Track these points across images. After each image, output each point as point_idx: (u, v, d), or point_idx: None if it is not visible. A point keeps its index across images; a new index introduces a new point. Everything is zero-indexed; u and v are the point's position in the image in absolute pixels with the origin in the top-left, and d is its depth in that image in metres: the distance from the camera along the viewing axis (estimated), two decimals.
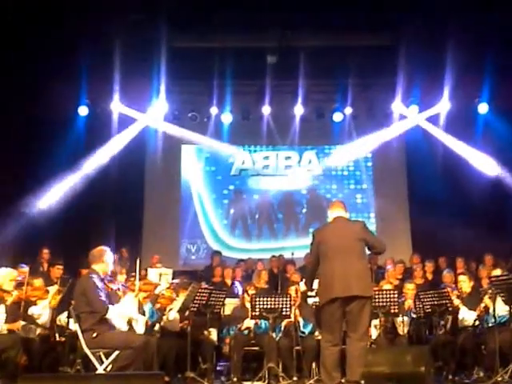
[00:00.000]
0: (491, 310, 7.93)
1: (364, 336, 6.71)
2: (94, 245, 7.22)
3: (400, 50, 12.05)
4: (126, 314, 7.25)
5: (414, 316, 8.80)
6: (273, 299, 8.19)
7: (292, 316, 8.44)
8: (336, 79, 13.19)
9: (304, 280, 7.45)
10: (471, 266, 11.38)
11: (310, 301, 8.84)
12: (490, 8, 10.69)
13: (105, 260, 6.92)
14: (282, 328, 8.69)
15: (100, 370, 6.44)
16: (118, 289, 7.62)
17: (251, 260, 12.39)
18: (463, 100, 13.37)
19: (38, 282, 8.43)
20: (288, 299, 8.23)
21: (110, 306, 6.72)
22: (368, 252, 7.02)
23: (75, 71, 11.74)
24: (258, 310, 8.18)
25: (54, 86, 11.46)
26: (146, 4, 11.12)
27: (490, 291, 8.04)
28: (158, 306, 8.42)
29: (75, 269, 9.69)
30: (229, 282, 10.96)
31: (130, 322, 7.53)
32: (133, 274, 8.20)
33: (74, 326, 6.90)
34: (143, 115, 13.84)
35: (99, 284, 6.77)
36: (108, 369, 6.49)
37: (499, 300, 7.84)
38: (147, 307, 8.07)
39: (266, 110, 13.64)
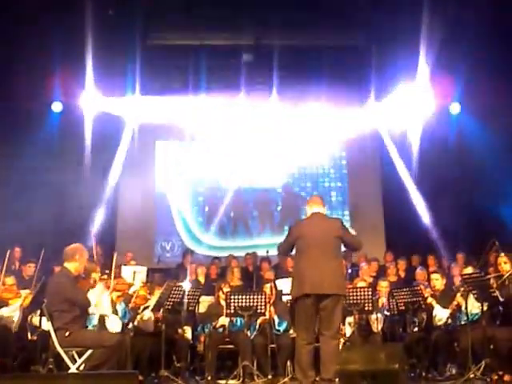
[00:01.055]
0: (463, 308, 8.00)
1: (337, 334, 6.74)
2: (68, 242, 7.14)
3: (372, 49, 12.14)
4: (100, 310, 7.23)
5: (388, 313, 8.85)
6: (248, 297, 8.19)
7: (267, 314, 8.46)
8: (310, 78, 13.21)
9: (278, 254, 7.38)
10: (443, 263, 11.48)
11: (285, 298, 8.86)
12: (462, 6, 10.80)
13: (78, 258, 6.80)
14: (257, 326, 8.70)
15: (73, 369, 6.39)
16: (92, 286, 7.58)
17: (231, 257, 12.34)
18: (435, 100, 13.48)
19: (10, 280, 8.35)
20: (263, 297, 8.24)
21: (90, 296, 6.73)
22: (343, 249, 7.06)
23: (49, 67, 11.65)
24: (232, 307, 8.18)
25: (27, 82, 11.37)
26: (121, 0, 11.07)
27: (462, 289, 8.11)
28: (131, 305, 8.36)
29: (49, 266, 9.59)
30: (202, 279, 10.91)
31: (103, 321, 7.51)
32: (106, 271, 8.14)
33: (46, 324, 6.82)
34: (117, 111, 13.75)
35: (73, 281, 6.74)
36: (81, 368, 6.44)
37: (471, 297, 7.91)
38: (120, 307, 8.03)
39: (241, 107, 13.63)
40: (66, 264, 6.82)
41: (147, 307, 8.37)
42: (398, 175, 13.51)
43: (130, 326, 8.28)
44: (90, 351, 6.46)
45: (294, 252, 6.92)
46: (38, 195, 11.97)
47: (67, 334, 6.45)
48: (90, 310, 6.94)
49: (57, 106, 13.16)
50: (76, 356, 6.54)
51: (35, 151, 12.12)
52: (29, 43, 11.06)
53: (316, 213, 6.99)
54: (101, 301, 7.43)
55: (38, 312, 7.90)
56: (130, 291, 8.25)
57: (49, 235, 11.67)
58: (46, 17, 10.65)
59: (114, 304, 7.84)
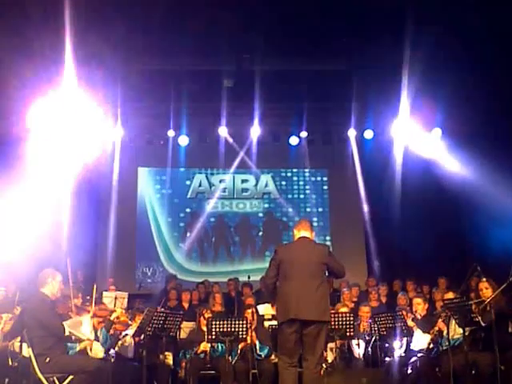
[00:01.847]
0: (445, 333, 8.02)
1: (320, 359, 6.73)
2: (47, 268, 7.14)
3: (354, 75, 12.27)
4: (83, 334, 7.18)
5: (370, 339, 8.85)
6: (229, 322, 8.14)
7: (248, 339, 8.41)
8: (292, 103, 13.32)
9: (267, 297, 7.30)
10: (423, 288, 11.51)
11: (267, 324, 8.84)
12: (442, 34, 10.93)
13: (50, 281, 6.87)
14: (239, 351, 8.65)
15: None
16: (71, 310, 7.54)
17: (208, 282, 12.34)
18: (417, 126, 13.66)
19: None
20: (244, 322, 8.20)
21: (65, 323, 6.68)
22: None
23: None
24: (214, 333, 8.12)
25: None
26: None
27: (443, 314, 8.12)
28: (112, 330, 8.28)
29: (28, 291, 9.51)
30: (186, 305, 10.87)
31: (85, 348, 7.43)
32: (88, 297, 8.09)
33: (26, 350, 6.76)
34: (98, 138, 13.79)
35: (50, 306, 6.72)
36: None
37: (453, 323, 7.92)
38: (101, 333, 7.96)
39: (223, 132, 13.73)
40: (42, 289, 6.85)
41: (128, 333, 8.31)
42: (379, 200, 13.58)
43: (112, 351, 8.21)
44: (70, 377, 6.41)
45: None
46: None
47: (48, 359, 6.42)
48: (72, 336, 6.90)
49: None
50: (57, 382, 6.47)
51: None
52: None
53: (303, 237, 6.96)
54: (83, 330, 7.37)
55: (19, 338, 7.81)
56: (112, 317, 8.18)
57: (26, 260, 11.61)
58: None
59: (95, 330, 7.77)
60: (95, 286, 7.92)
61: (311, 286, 6.61)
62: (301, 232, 7.00)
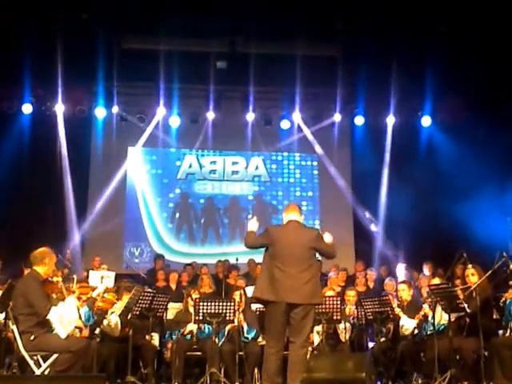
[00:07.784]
0: (430, 318, 8.05)
1: (305, 342, 6.73)
2: (36, 246, 7.08)
3: (346, 61, 12.25)
4: (69, 317, 7.13)
5: (356, 323, 8.87)
6: (217, 304, 8.12)
7: (236, 321, 8.41)
8: (284, 87, 13.28)
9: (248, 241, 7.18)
10: (414, 274, 11.52)
11: (254, 306, 8.84)
12: (432, 23, 10.96)
13: (46, 262, 6.78)
14: (226, 333, 8.65)
15: (37, 373, 6.30)
16: (60, 291, 7.48)
17: (196, 264, 12.34)
18: (407, 113, 13.71)
19: None
20: (232, 304, 8.19)
21: (53, 308, 6.62)
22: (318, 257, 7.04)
23: (19, 69, 11.57)
24: (201, 314, 8.11)
25: None
26: (93, 4, 11.00)
27: (429, 299, 8.15)
28: (96, 308, 8.22)
29: (16, 270, 9.49)
30: (173, 286, 10.87)
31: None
32: (72, 277, 8.04)
33: (11, 328, 6.73)
34: (89, 116, 13.74)
35: (40, 285, 6.67)
36: (46, 373, 6.35)
37: (439, 309, 7.95)
38: (83, 311, 7.92)
39: (214, 114, 13.69)
40: (35, 267, 6.78)
41: (114, 312, 8.27)
42: (368, 185, 13.61)
43: (97, 330, 8.19)
44: (55, 355, 6.38)
45: (264, 256, 6.87)
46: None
47: (32, 337, 6.38)
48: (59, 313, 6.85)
49: (27, 108, 13.06)
50: (41, 360, 6.45)
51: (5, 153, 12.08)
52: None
53: (292, 220, 6.93)
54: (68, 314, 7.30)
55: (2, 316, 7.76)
56: (94, 294, 8.11)
57: (19, 237, 11.60)
58: (19, 19, 10.60)
59: (77, 308, 7.72)
60: (81, 265, 7.90)
61: (298, 270, 6.59)
62: (290, 215, 6.97)
